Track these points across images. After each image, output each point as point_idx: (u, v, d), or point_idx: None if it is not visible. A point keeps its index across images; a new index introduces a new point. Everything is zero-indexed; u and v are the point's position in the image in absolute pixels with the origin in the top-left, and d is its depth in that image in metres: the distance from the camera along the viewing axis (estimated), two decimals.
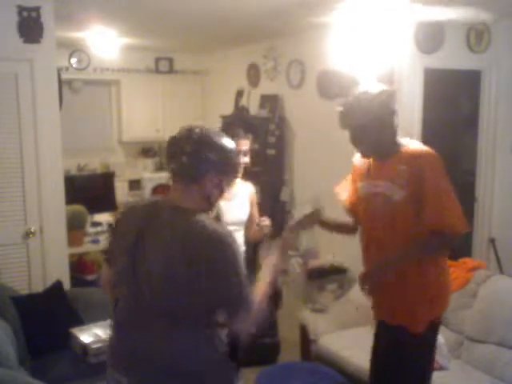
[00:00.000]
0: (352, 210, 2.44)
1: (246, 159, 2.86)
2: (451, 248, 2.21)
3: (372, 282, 2.19)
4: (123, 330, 1.75)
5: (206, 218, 1.65)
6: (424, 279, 2.16)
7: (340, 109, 2.21)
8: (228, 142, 1.73)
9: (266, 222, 2.89)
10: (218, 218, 2.69)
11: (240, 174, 2.86)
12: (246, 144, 2.86)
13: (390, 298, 2.23)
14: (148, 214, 1.71)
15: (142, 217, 1.72)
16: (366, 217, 2.30)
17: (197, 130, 1.69)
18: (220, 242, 1.59)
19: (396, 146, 2.19)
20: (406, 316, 2.18)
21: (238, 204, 2.89)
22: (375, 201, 2.22)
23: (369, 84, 2.25)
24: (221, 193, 1.75)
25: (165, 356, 1.63)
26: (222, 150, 1.69)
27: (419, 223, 2.09)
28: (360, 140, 2.20)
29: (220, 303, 1.63)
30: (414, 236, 2.12)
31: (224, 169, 1.71)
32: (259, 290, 1.71)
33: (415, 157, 2.12)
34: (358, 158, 2.39)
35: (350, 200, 2.45)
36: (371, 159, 2.28)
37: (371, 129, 2.14)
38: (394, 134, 2.18)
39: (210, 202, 1.73)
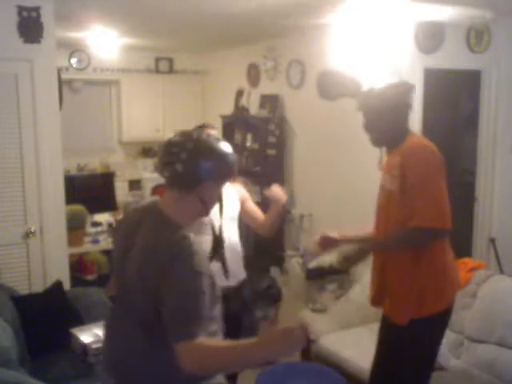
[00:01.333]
0: None
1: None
2: (427, 242, 2.19)
3: (349, 264, 2.29)
4: (109, 332, 1.78)
5: (178, 233, 1.59)
6: (414, 273, 2.18)
7: (363, 91, 2.32)
8: (224, 146, 1.68)
9: (275, 191, 2.76)
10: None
11: None
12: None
13: (383, 286, 2.30)
14: (139, 219, 1.71)
15: (134, 222, 1.72)
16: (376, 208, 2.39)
17: (192, 137, 1.64)
18: (184, 258, 1.53)
19: (403, 139, 2.24)
20: (391, 305, 2.25)
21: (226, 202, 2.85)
22: (380, 192, 2.34)
23: (391, 79, 2.34)
24: (218, 196, 1.74)
25: (139, 363, 1.64)
26: (219, 156, 1.64)
27: (408, 214, 2.13)
28: (373, 127, 2.27)
29: (166, 313, 1.53)
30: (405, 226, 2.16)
31: (221, 174, 1.67)
32: (224, 344, 1.52)
33: (407, 150, 2.18)
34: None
35: None
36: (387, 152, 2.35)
37: (385, 117, 2.22)
38: (404, 126, 2.26)
39: (206, 207, 1.70)
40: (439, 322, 2.25)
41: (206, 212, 1.72)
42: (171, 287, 1.51)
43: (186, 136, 1.65)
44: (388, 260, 2.26)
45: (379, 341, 2.41)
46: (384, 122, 2.23)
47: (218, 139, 1.69)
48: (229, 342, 1.52)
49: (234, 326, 2.55)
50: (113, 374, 1.72)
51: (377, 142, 2.32)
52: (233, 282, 2.60)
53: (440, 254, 2.23)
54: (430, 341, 2.27)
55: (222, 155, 1.65)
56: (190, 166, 1.60)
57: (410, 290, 2.18)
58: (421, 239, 2.15)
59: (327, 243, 2.43)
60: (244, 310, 2.67)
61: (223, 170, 1.66)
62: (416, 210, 2.09)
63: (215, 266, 2.25)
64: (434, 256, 2.21)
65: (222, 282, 2.40)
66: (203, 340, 1.46)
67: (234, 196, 2.88)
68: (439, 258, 2.23)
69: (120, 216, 4.88)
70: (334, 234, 2.43)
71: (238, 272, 2.72)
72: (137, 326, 1.64)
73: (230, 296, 2.48)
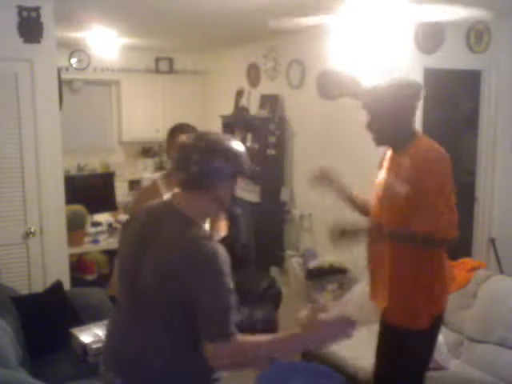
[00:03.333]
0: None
1: None
2: (434, 249, 2.18)
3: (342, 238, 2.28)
4: (117, 331, 1.78)
5: (202, 233, 1.65)
6: (421, 278, 2.19)
7: (369, 87, 2.24)
8: (236, 145, 1.70)
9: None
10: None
11: None
12: None
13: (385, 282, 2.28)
14: (154, 219, 1.73)
15: (150, 221, 1.73)
16: (374, 204, 2.36)
17: (204, 137, 1.68)
18: (206, 260, 1.57)
19: (410, 141, 2.20)
20: (390, 308, 2.27)
21: None
22: (381, 190, 2.28)
23: (401, 76, 2.29)
24: (232, 192, 1.76)
25: (155, 359, 1.65)
26: (232, 155, 1.67)
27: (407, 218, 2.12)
28: (376, 125, 2.22)
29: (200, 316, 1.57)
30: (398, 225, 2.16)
31: (235, 172, 1.69)
32: (259, 340, 1.61)
33: (422, 154, 2.13)
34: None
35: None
36: (391, 150, 2.31)
37: (392, 117, 2.17)
38: (411, 127, 2.22)
39: (223, 204, 1.73)
40: (432, 331, 2.25)
41: (222, 207, 1.76)
42: (206, 287, 1.56)
43: (199, 138, 1.69)
44: (398, 258, 2.21)
45: (378, 339, 2.42)
46: (390, 122, 2.18)
47: (230, 138, 1.72)
48: (265, 337, 1.61)
49: None
50: (120, 374, 1.71)
51: (380, 142, 2.28)
52: None
53: (442, 261, 2.24)
54: (423, 347, 2.26)
55: (234, 154, 1.67)
56: (204, 167, 1.63)
57: (412, 298, 2.18)
58: (432, 246, 2.14)
59: (323, 178, 2.43)
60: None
61: (237, 169, 1.69)
62: (423, 220, 2.06)
63: None
64: (440, 263, 2.22)
65: None
66: (240, 337, 1.56)
67: None
68: (442, 265, 2.23)
69: (120, 216, 4.88)
70: (333, 174, 2.47)
71: None
72: (151, 324, 1.65)
73: None
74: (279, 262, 5.38)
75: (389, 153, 2.34)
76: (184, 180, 1.67)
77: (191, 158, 1.63)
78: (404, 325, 2.20)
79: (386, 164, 2.34)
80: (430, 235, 2.08)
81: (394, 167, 2.24)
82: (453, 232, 2.09)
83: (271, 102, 5.55)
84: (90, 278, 4.53)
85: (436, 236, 2.08)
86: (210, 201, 1.69)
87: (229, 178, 1.68)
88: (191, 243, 1.60)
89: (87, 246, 4.47)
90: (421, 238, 2.10)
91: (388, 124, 2.19)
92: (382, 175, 2.33)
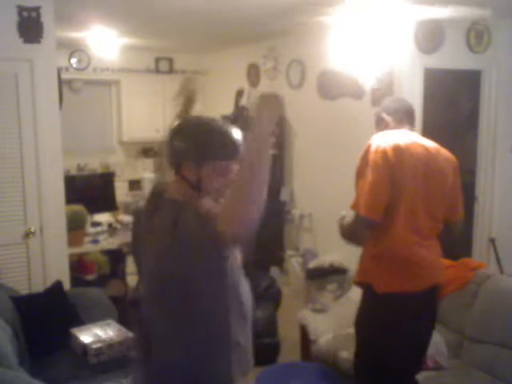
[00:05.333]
0: None
1: None
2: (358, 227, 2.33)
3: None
4: (140, 324, 1.80)
5: (192, 208, 1.59)
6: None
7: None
8: (224, 124, 1.67)
9: None
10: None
11: None
12: None
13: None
14: (152, 208, 1.75)
15: (147, 212, 1.76)
16: None
17: (183, 120, 1.71)
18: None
19: None
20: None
21: None
22: None
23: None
24: (221, 180, 1.66)
25: (170, 350, 1.67)
26: (195, 136, 1.64)
27: None
28: None
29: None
30: None
31: (204, 154, 1.63)
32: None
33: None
34: None
35: None
36: None
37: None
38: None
39: (198, 189, 1.65)
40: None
41: (199, 194, 1.67)
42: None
43: (184, 120, 1.73)
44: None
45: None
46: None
47: (214, 121, 1.68)
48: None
49: None
50: (144, 363, 1.73)
51: None
52: None
53: (402, 247, 2.31)
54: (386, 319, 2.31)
55: (197, 135, 1.65)
56: (169, 148, 1.66)
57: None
58: (356, 224, 2.33)
59: None
60: None
61: (206, 151, 1.63)
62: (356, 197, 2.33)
63: None
64: (392, 245, 2.32)
65: None
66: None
67: None
68: (403, 251, 2.31)
69: (120, 216, 4.89)
70: None
71: None
72: (162, 312, 1.67)
73: None
74: (279, 261, 5.38)
75: None
76: (170, 162, 1.70)
77: (177, 140, 1.67)
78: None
79: None
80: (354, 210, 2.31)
81: None
82: (363, 209, 2.25)
83: None
84: (89, 277, 4.52)
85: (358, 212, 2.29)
86: (184, 185, 1.65)
87: (197, 161, 1.62)
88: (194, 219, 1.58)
89: (87, 246, 4.46)
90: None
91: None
92: None
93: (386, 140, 2.28)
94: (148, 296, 1.73)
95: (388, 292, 2.27)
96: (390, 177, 2.22)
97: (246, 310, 1.72)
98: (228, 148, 1.65)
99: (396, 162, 2.22)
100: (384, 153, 2.23)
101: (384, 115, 2.47)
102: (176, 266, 1.60)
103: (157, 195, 1.76)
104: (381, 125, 2.48)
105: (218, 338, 1.66)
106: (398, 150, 2.23)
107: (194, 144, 1.64)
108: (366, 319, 2.40)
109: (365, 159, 2.30)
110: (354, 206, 2.29)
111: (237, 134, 1.68)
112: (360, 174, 2.31)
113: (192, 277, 1.60)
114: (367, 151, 2.29)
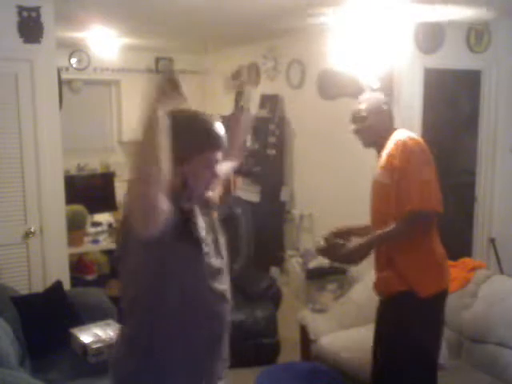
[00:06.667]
0: None
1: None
2: (420, 225, 2.27)
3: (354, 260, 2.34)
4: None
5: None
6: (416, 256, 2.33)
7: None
8: (205, 117, 1.66)
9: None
10: None
11: None
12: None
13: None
14: None
15: None
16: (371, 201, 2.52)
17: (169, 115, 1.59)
18: None
19: (388, 136, 2.39)
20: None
21: None
22: (373, 186, 2.46)
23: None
24: (204, 178, 1.62)
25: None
26: (198, 127, 1.63)
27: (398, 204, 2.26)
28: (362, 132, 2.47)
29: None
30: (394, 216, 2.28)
31: (204, 145, 1.61)
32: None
33: (393, 145, 2.32)
34: None
35: None
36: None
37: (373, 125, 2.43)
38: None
39: (187, 187, 1.61)
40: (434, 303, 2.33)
41: (191, 195, 1.65)
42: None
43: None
44: (394, 252, 2.33)
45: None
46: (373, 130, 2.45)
47: (200, 112, 1.67)
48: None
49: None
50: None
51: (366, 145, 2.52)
52: None
53: (436, 247, 2.36)
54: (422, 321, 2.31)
55: (201, 126, 1.63)
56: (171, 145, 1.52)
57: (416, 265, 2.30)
58: (414, 222, 2.23)
59: (341, 236, 2.49)
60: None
61: (206, 142, 1.61)
62: (407, 195, 2.21)
63: None
64: (432, 246, 2.34)
65: None
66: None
67: None
68: (437, 250, 2.35)
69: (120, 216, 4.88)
70: (341, 227, 2.61)
71: None
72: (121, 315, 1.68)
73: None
74: (279, 261, 5.37)
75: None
76: None
77: None
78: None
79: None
80: (415, 211, 2.21)
81: (380, 163, 2.40)
82: (436, 205, 2.21)
83: (271, 102, 5.55)
84: (89, 277, 4.53)
85: (412, 209, 2.21)
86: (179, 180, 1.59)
87: (197, 153, 1.58)
88: None
89: (87, 246, 4.47)
90: (407, 219, 2.23)
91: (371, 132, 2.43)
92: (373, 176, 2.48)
93: (412, 135, 2.33)
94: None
95: (433, 293, 2.28)
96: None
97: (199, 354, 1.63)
98: (213, 138, 1.63)
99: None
100: (426, 146, 2.28)
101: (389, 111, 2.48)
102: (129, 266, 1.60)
103: None
104: (386, 122, 2.46)
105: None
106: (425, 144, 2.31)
107: (201, 135, 1.61)
108: (414, 326, 2.30)
109: (409, 156, 2.24)
110: (425, 206, 2.19)
111: (218, 124, 1.66)
112: (410, 171, 2.23)
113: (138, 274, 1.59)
114: (407, 147, 2.25)
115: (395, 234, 2.25)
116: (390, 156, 2.30)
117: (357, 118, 2.45)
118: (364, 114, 2.42)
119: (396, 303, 2.35)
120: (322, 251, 2.43)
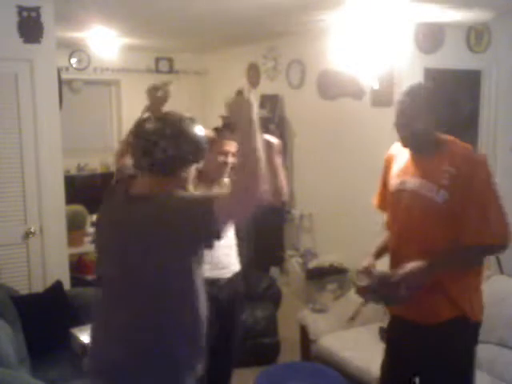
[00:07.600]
0: (382, 205, 2.35)
1: (231, 160, 2.57)
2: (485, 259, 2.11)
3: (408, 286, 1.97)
4: (104, 333, 1.91)
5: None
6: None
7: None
8: (200, 130, 1.74)
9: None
10: None
11: (226, 175, 2.62)
12: (232, 145, 2.55)
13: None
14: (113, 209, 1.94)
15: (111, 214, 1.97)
16: (398, 214, 2.16)
17: (168, 122, 1.69)
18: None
19: (437, 142, 2.13)
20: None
21: None
22: (411, 198, 2.08)
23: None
24: (191, 175, 1.78)
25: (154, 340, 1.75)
26: (196, 140, 1.71)
27: (454, 230, 1.99)
28: (407, 125, 2.11)
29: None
30: (440, 241, 2.01)
31: (197, 156, 1.74)
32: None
33: (466, 160, 2.02)
34: (396, 149, 2.27)
35: (380, 191, 2.36)
36: (409, 153, 2.17)
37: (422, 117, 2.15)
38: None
39: (184, 187, 1.76)
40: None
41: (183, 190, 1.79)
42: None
43: (162, 122, 1.69)
44: (444, 276, 2.03)
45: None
46: (420, 122, 2.15)
47: (193, 121, 1.74)
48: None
49: (228, 318, 2.59)
50: (103, 377, 1.74)
51: (406, 142, 2.16)
52: (227, 273, 2.62)
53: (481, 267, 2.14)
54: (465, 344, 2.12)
55: (198, 139, 1.72)
56: (171, 153, 1.65)
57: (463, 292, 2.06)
58: (482, 257, 2.07)
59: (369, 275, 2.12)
60: (236, 299, 2.70)
61: (199, 152, 1.74)
62: (482, 226, 1.95)
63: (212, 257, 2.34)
64: (480, 268, 2.12)
65: (217, 273, 2.42)
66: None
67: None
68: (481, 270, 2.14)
69: None
70: (368, 262, 2.19)
71: (234, 263, 2.69)
72: (146, 305, 1.70)
73: (223, 286, 2.56)
74: (279, 261, 5.38)
75: (403, 157, 2.19)
76: (148, 166, 1.69)
77: (157, 143, 1.65)
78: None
79: (405, 169, 2.15)
80: (492, 246, 1.98)
81: (427, 173, 2.07)
82: (504, 237, 1.97)
83: (271, 102, 5.55)
84: (89, 278, 4.53)
85: (487, 242, 1.96)
86: (174, 186, 1.71)
87: (191, 163, 1.73)
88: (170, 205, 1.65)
89: (87, 246, 4.47)
90: (478, 253, 2.01)
91: (419, 123, 2.13)
92: (405, 182, 2.13)
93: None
94: (110, 283, 1.88)
95: (479, 318, 2.09)
96: None
97: (201, 327, 1.75)
98: (205, 150, 1.77)
99: None
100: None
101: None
102: (150, 263, 1.65)
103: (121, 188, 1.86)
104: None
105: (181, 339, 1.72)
106: None
107: (198, 147, 1.73)
108: (472, 352, 2.09)
109: (490, 177, 2.02)
110: (504, 239, 1.95)
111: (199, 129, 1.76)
112: (490, 195, 2.01)
113: (163, 275, 1.65)
114: (485, 164, 2.01)
115: (460, 262, 2.02)
116: (454, 168, 1.99)
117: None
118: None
119: (448, 330, 2.05)
120: (366, 289, 2.08)
